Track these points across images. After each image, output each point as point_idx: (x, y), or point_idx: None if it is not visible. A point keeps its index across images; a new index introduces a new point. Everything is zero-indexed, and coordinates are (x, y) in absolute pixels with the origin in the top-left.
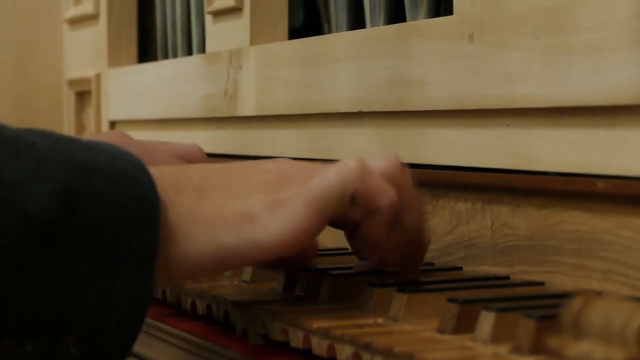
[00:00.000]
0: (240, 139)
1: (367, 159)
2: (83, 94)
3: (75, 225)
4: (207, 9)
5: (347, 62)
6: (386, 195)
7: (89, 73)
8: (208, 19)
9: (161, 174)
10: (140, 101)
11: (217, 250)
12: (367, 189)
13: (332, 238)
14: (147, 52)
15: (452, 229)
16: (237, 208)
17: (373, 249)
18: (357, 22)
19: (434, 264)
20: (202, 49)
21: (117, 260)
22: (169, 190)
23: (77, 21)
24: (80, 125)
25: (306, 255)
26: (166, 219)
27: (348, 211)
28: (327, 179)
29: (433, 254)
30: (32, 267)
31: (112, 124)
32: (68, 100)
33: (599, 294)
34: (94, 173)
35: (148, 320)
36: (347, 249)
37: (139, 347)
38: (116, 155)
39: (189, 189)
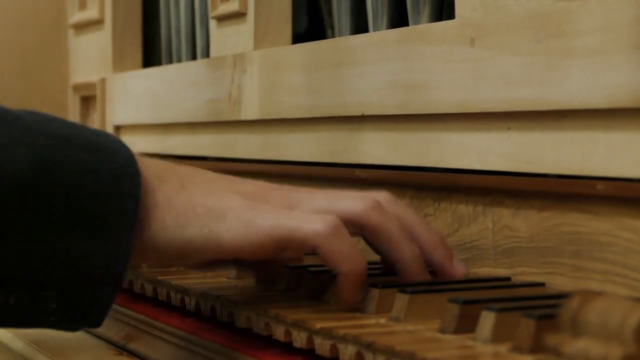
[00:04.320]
0: (245, 143)
1: (364, 201)
2: (88, 99)
3: (55, 188)
4: (211, 13)
5: (351, 66)
6: (348, 262)
7: (94, 78)
8: (212, 23)
9: (147, 163)
10: (144, 106)
11: (180, 241)
12: (330, 251)
13: None
14: (151, 57)
15: (454, 231)
16: (210, 204)
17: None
18: (360, 27)
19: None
20: (206, 54)
21: (95, 220)
22: (152, 177)
23: (82, 26)
24: None
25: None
26: (146, 204)
27: None
28: (301, 223)
29: None
30: (11, 224)
31: (117, 129)
32: (73, 105)
33: (598, 293)
34: (75, 144)
35: (150, 320)
36: None
37: (141, 346)
38: (98, 133)
39: (172, 180)
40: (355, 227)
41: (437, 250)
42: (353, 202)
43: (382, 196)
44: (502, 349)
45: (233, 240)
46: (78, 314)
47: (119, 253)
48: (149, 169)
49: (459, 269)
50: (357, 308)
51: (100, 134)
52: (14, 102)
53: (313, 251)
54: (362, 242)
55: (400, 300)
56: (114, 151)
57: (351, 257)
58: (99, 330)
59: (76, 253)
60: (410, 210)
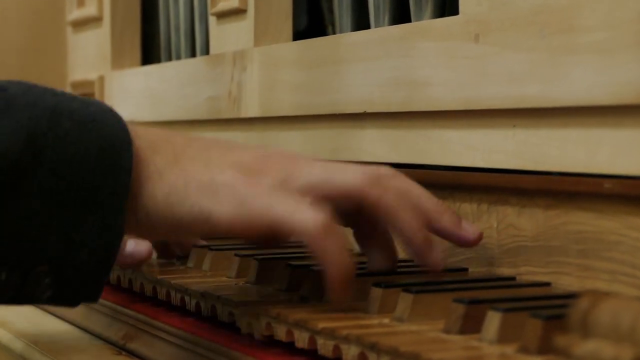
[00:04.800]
0: (245, 141)
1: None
2: (86, 97)
3: (42, 162)
4: (211, 10)
5: (352, 63)
6: (334, 262)
7: (93, 76)
8: (212, 20)
9: (140, 132)
10: (143, 103)
11: (171, 218)
12: (318, 249)
13: None
14: (150, 54)
15: None
16: (203, 179)
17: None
18: (361, 24)
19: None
20: (206, 52)
21: (85, 192)
22: (145, 149)
23: (80, 24)
24: None
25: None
26: (138, 176)
27: None
28: (292, 213)
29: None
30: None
31: None
32: None
33: (608, 294)
34: (63, 115)
35: (149, 320)
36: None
37: (140, 346)
38: (89, 103)
39: (166, 152)
40: (352, 202)
41: (444, 216)
42: (352, 175)
43: (382, 169)
44: (509, 349)
45: (224, 219)
46: (73, 288)
47: (112, 227)
48: (141, 138)
49: (470, 231)
50: (346, 305)
51: (91, 104)
52: None
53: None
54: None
55: (404, 300)
56: (105, 121)
57: (338, 256)
58: (98, 329)
59: (67, 227)
60: (412, 181)
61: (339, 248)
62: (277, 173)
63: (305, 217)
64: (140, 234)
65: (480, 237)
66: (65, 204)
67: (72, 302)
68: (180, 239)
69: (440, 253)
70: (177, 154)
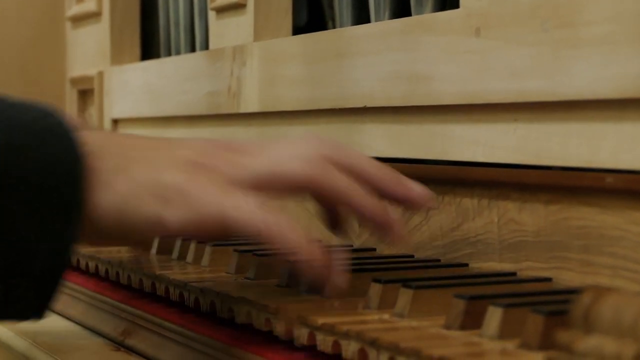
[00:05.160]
0: (244, 136)
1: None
2: (85, 93)
3: None
4: (210, 5)
5: (353, 58)
6: (297, 246)
7: (92, 71)
8: (211, 15)
9: (86, 138)
10: (143, 99)
11: (122, 224)
12: (276, 241)
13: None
14: (150, 50)
15: (458, 225)
16: (151, 183)
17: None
18: (362, 19)
19: (439, 260)
20: (205, 47)
21: (38, 210)
22: (92, 155)
23: (79, 19)
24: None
25: None
26: (87, 186)
27: None
28: (245, 209)
29: (439, 250)
30: None
31: (115, 122)
32: (70, 99)
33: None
34: (16, 128)
35: (148, 316)
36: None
37: (139, 342)
38: (45, 113)
39: (112, 156)
40: (301, 189)
41: (391, 182)
42: (297, 163)
43: (324, 147)
44: (510, 345)
45: (175, 221)
46: (18, 306)
47: (66, 245)
48: (87, 145)
49: (416, 191)
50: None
51: (46, 115)
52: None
53: (257, 237)
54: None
55: (404, 296)
56: (62, 136)
57: (298, 239)
58: (97, 325)
59: (21, 244)
60: (355, 152)
61: (296, 235)
62: (223, 166)
63: (253, 214)
64: (92, 243)
65: (426, 197)
66: (16, 216)
67: (19, 316)
68: (133, 244)
69: (402, 226)
70: (123, 159)
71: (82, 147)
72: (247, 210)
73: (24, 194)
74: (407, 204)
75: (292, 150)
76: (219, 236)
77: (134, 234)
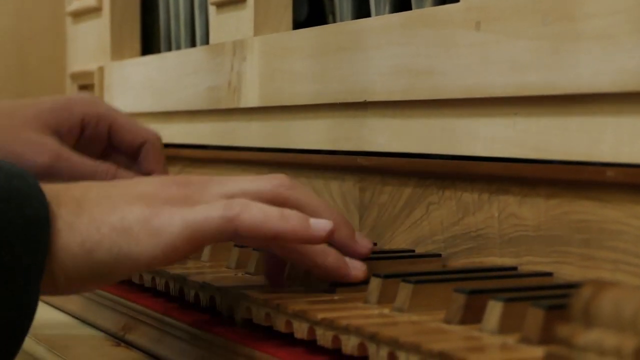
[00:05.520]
0: (245, 131)
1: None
2: (86, 88)
3: None
4: (211, 0)
5: (353, 52)
6: (282, 222)
7: (92, 66)
8: (211, 10)
9: (44, 188)
10: (143, 94)
11: (92, 267)
12: (254, 227)
13: None
14: (150, 44)
15: (459, 219)
16: (113, 221)
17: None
18: (362, 13)
19: (440, 255)
20: (206, 42)
21: (1, 274)
22: (50, 203)
23: (79, 14)
24: None
25: None
26: (50, 231)
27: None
28: (208, 214)
29: (439, 245)
30: None
31: None
32: (71, 94)
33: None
34: None
35: (148, 311)
36: None
37: (139, 337)
38: (12, 175)
39: (69, 201)
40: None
41: (341, 229)
42: (257, 182)
43: (280, 178)
44: (510, 340)
45: (146, 253)
46: None
47: (27, 309)
48: (45, 194)
49: (363, 245)
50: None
51: (13, 175)
52: (12, 90)
53: (237, 238)
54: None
55: (404, 290)
56: (29, 199)
57: (280, 217)
58: (98, 321)
59: None
60: (310, 191)
61: (272, 211)
62: (184, 193)
63: (221, 209)
64: (61, 290)
65: (370, 251)
66: None
67: None
68: (102, 285)
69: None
70: (80, 201)
71: (44, 202)
72: (211, 209)
73: None
74: (349, 253)
75: (247, 178)
76: (194, 252)
77: (105, 272)
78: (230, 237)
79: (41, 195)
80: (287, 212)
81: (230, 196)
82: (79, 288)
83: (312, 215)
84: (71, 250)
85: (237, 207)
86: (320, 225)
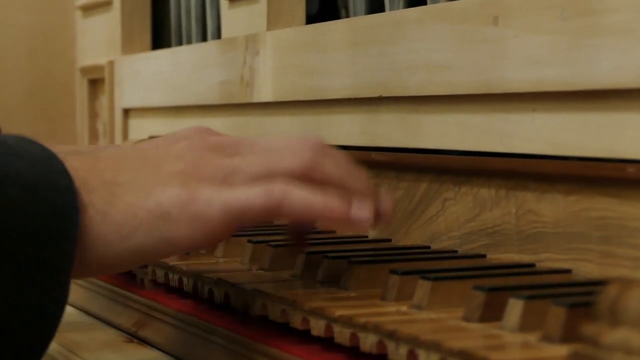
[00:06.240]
0: (257, 126)
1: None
2: (96, 82)
3: None
4: None
5: (367, 47)
6: (317, 202)
7: (102, 60)
8: (223, 4)
9: (72, 171)
10: (154, 88)
11: (131, 251)
12: (295, 205)
13: None
14: (160, 39)
15: (475, 215)
16: (149, 207)
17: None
18: (375, 7)
19: (456, 251)
20: (217, 36)
21: (30, 266)
22: (79, 191)
23: (90, 8)
24: (93, 113)
25: None
26: (81, 224)
27: None
28: (251, 198)
29: (455, 241)
30: None
31: (126, 112)
32: (81, 88)
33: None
34: (8, 179)
35: (161, 307)
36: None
37: (152, 333)
38: (37, 160)
39: (100, 187)
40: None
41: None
42: (290, 159)
43: (313, 147)
44: (531, 338)
45: (186, 237)
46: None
47: (58, 301)
48: (74, 179)
49: (357, 213)
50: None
51: (39, 161)
52: (22, 85)
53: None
54: None
55: (423, 287)
56: (55, 187)
57: (322, 204)
58: (110, 316)
59: (13, 300)
60: (342, 159)
61: (311, 193)
62: (217, 173)
63: (261, 195)
64: (99, 274)
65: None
66: (6, 273)
67: None
68: (140, 265)
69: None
70: (111, 186)
71: (72, 188)
72: (252, 195)
73: (10, 248)
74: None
75: (283, 148)
76: (229, 233)
77: (146, 254)
78: (269, 221)
79: (69, 182)
80: (329, 199)
81: (268, 175)
82: (118, 268)
83: (348, 190)
84: (105, 239)
85: (278, 194)
86: (361, 214)
